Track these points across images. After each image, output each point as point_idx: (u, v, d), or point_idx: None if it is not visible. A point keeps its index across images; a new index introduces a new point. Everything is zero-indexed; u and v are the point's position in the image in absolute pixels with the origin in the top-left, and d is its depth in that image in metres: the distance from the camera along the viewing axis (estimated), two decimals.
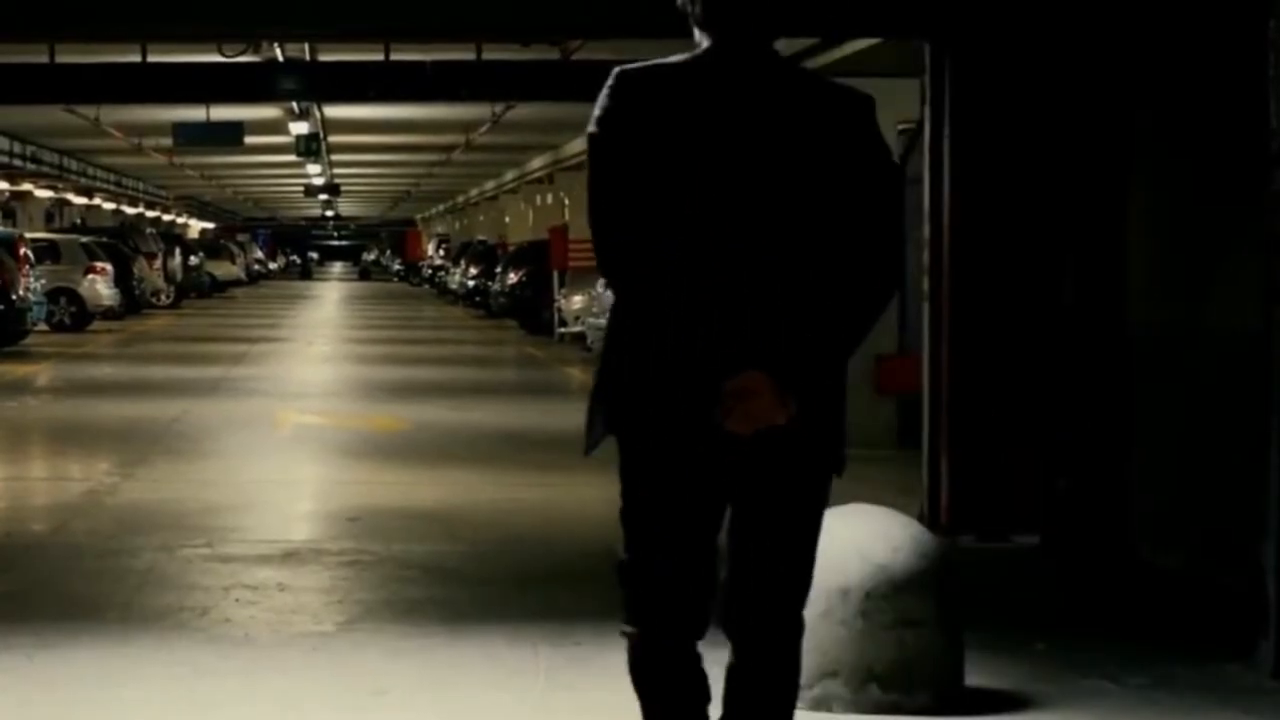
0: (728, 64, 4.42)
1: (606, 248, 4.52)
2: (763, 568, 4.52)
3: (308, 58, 18.03)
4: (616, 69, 4.48)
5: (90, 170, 44.18)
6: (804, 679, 6.50)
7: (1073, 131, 10.34)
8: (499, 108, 25.37)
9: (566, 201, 36.60)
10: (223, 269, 60.39)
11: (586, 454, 4.66)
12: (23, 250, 29.86)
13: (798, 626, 4.64)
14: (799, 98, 4.40)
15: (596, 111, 4.44)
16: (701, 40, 4.49)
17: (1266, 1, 7.33)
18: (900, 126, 17.26)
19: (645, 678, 4.67)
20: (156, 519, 11.21)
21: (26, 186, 41.90)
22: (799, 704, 6.49)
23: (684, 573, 4.55)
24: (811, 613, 6.54)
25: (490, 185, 53.86)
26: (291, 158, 35.10)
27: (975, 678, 6.85)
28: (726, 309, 4.34)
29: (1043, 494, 10.37)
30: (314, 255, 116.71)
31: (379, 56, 14.17)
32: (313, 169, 45.74)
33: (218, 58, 14.04)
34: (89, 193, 48.41)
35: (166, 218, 65.80)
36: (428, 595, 8.93)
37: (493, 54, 13.81)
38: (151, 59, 13.96)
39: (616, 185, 4.42)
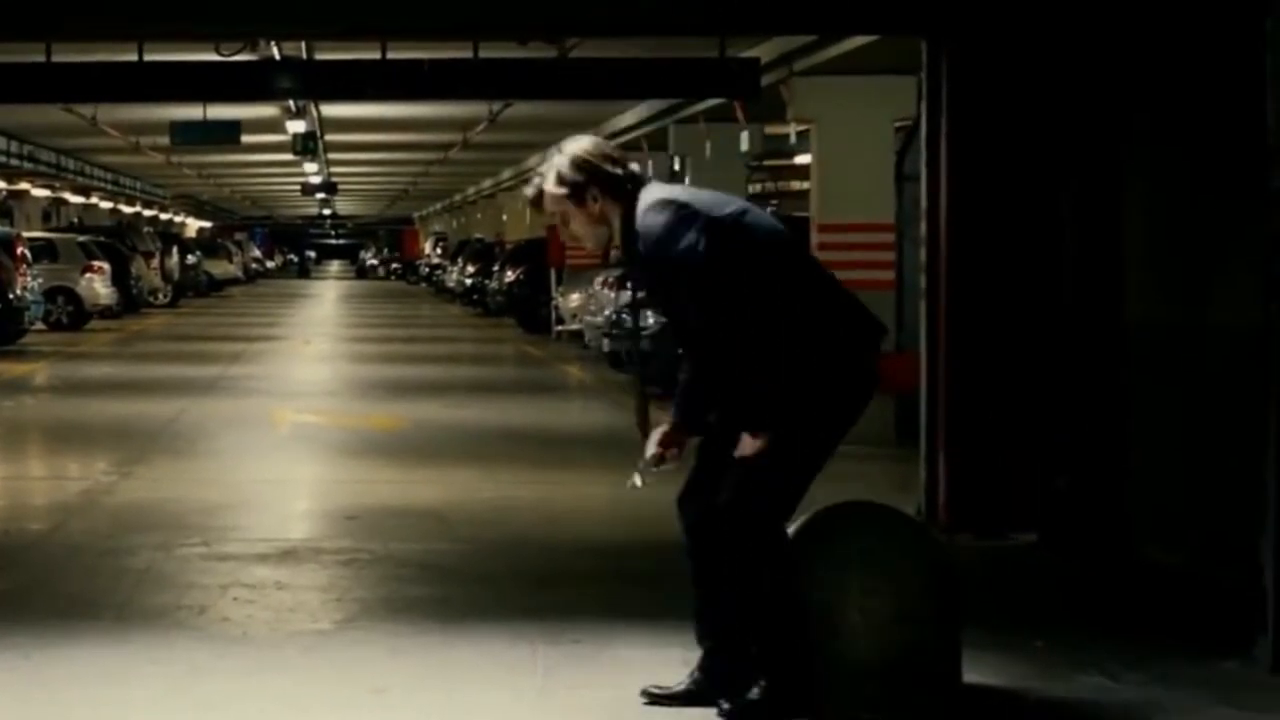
0: None
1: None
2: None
3: (304, 57, 18.02)
4: (697, 211, 6.24)
5: (87, 169, 44.10)
6: None
7: (1070, 129, 10.34)
8: (496, 106, 25.34)
9: None
10: (220, 268, 60.30)
11: None
12: (20, 249, 29.84)
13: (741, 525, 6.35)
14: None
15: (701, 246, 6.13)
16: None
17: (1264, 0, 7.33)
18: (897, 124, 17.28)
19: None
20: (154, 518, 11.21)
21: (24, 186, 41.88)
22: None
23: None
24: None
25: (488, 184, 53.80)
26: (289, 156, 35.02)
27: (973, 675, 6.84)
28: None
29: (1041, 491, 10.37)
30: (311, 254, 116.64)
31: (376, 55, 14.15)
32: (310, 168, 45.65)
33: (215, 57, 14.01)
34: (86, 192, 48.36)
35: (164, 216, 65.72)
36: (426, 594, 8.93)
37: (490, 52, 13.79)
38: (148, 58, 13.92)
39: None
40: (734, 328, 6.19)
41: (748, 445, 6.23)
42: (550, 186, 6.54)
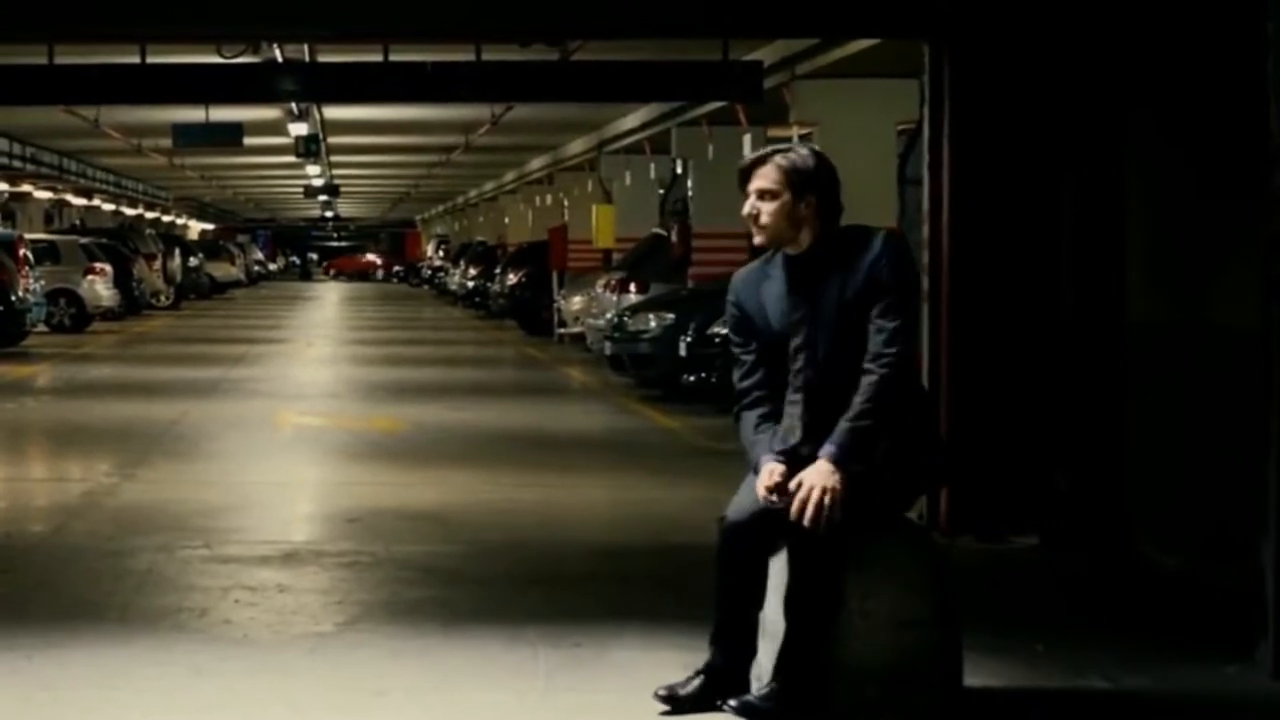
0: None
1: None
2: None
3: (307, 59, 18.04)
4: None
5: (90, 171, 44.11)
6: None
7: (1072, 131, 10.35)
8: (498, 108, 25.38)
9: (566, 202, 36.56)
10: (222, 270, 60.36)
11: None
12: (22, 251, 29.86)
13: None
14: None
15: None
16: None
17: (1264, 2, 7.33)
18: (900, 127, 17.30)
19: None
20: (156, 520, 11.21)
21: (26, 188, 41.92)
22: None
23: None
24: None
25: (490, 186, 53.86)
26: (291, 159, 35.06)
27: (974, 678, 6.84)
28: None
29: (1042, 495, 10.37)
30: (313, 256, 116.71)
31: (378, 58, 14.16)
32: (312, 170, 45.70)
33: (217, 59, 14.02)
34: (88, 194, 48.38)
35: (166, 219, 65.75)
36: (427, 596, 8.93)
37: (492, 55, 13.80)
38: (150, 60, 13.93)
39: None
40: (904, 361, 6.32)
41: (825, 475, 6.24)
42: (791, 161, 6.54)
